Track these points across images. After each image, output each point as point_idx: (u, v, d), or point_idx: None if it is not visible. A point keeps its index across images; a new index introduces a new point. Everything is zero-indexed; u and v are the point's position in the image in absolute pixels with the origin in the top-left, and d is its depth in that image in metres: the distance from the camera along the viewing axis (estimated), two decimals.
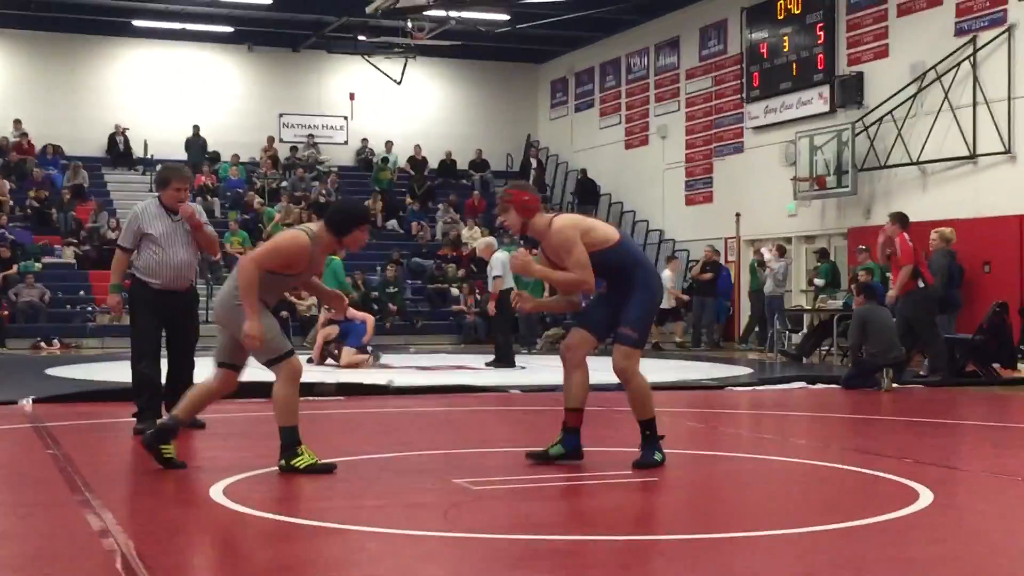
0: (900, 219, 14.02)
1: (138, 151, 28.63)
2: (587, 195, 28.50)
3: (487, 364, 15.95)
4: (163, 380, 8.55)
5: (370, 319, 16.41)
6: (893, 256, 13.75)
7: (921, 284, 13.55)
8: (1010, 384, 13.77)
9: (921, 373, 14.05)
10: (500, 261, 15.35)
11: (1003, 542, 4.95)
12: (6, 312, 21.76)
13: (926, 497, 5.77)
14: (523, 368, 15.84)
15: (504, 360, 15.83)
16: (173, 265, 8.34)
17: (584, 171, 28.82)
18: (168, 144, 28.36)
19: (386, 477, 6.47)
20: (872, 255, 17.54)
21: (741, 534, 5.02)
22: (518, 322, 16.70)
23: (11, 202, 25.42)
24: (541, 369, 15.46)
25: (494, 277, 15.63)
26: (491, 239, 17.35)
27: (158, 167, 26.03)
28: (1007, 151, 18.06)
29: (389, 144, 29.85)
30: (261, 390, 11.65)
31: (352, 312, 16.07)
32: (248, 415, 10.04)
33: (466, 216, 27.69)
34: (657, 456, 6.61)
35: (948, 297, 15.12)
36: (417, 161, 29.54)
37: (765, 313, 20.54)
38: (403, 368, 15.59)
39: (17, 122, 27.50)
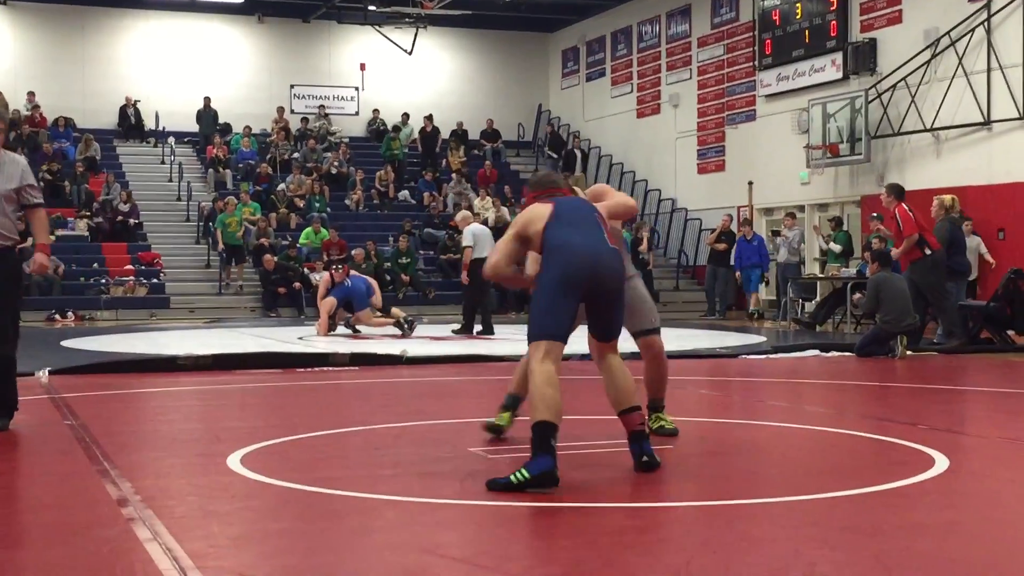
0: (896, 191, 14.14)
1: (149, 123, 28.64)
2: (555, 147, 29.88)
3: (453, 331, 16.24)
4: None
5: (373, 281, 16.87)
6: (895, 229, 13.80)
7: (928, 251, 13.55)
8: None
9: (935, 340, 14.04)
10: (472, 232, 16.01)
11: (1018, 507, 4.96)
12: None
13: (941, 463, 5.78)
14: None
15: (467, 329, 16.15)
16: None
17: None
18: (179, 116, 28.40)
19: (401, 446, 6.50)
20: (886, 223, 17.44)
21: (756, 500, 5.04)
22: (489, 293, 17.17)
23: None
24: None
25: (464, 247, 15.99)
26: (467, 212, 18.23)
27: (169, 138, 25.62)
28: (1022, 117, 17.97)
29: (405, 116, 29.79)
30: (274, 361, 11.75)
31: (355, 273, 16.51)
32: (263, 385, 10.10)
33: (478, 186, 27.66)
34: (517, 477, 5.13)
35: (955, 264, 15.06)
36: (427, 134, 29.44)
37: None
38: (416, 338, 15.64)
39: (31, 94, 27.50)
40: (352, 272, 16.77)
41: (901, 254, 13.75)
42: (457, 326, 16.51)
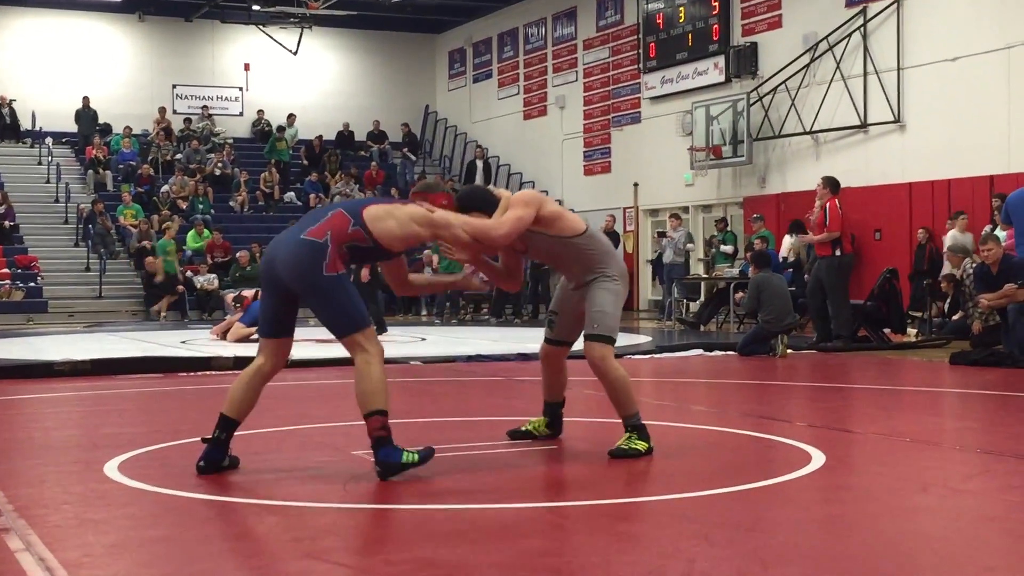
0: (831, 184, 14.18)
1: (26, 123, 27.95)
2: (413, 147, 30.03)
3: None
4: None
5: None
6: (820, 220, 13.89)
7: (838, 252, 13.81)
8: (900, 349, 14.11)
9: (815, 339, 14.31)
10: None
11: (890, 500, 5.08)
12: None
13: (818, 459, 5.90)
14: (423, 339, 15.87)
15: (382, 327, 16.03)
16: None
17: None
18: (57, 116, 27.77)
19: (285, 450, 6.43)
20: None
21: (639, 499, 5.09)
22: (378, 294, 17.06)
23: None
24: (441, 341, 15.51)
25: None
26: None
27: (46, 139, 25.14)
28: (896, 120, 18.45)
29: (291, 117, 29.46)
30: (155, 365, 11.54)
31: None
32: (144, 391, 9.92)
33: (365, 188, 27.52)
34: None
35: None
36: (314, 151, 29.09)
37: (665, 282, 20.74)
38: (301, 340, 15.46)
39: None
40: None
41: (816, 242, 14.02)
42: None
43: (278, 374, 5.94)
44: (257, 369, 5.71)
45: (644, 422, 6.19)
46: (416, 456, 5.45)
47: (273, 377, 5.79)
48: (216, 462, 5.60)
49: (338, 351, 13.39)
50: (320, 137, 29.25)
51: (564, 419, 6.71)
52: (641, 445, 6.05)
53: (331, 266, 5.47)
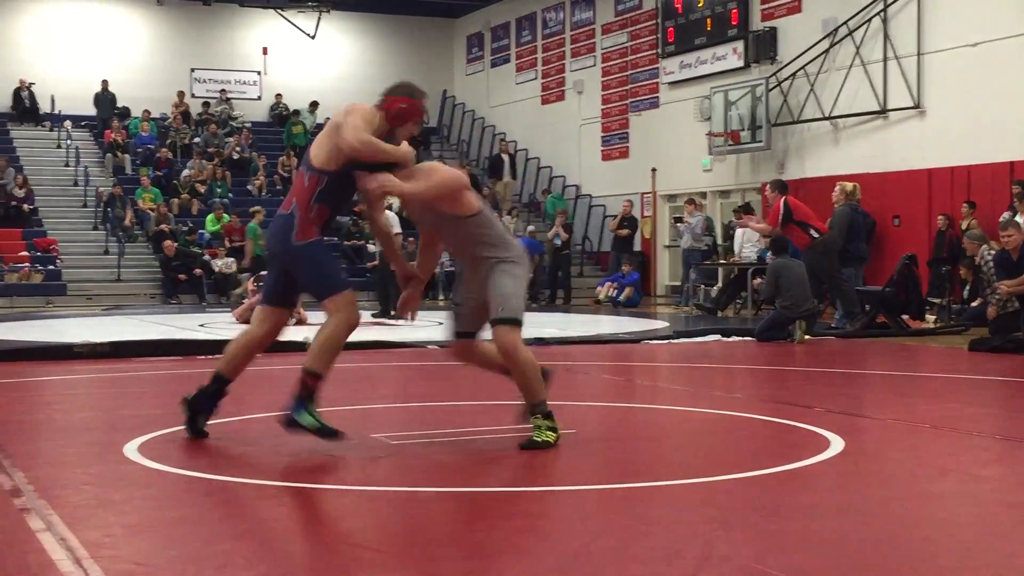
0: (779, 186, 14.66)
1: (45, 106, 28.00)
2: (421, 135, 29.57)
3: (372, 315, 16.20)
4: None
5: None
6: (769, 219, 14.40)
7: (816, 234, 13.86)
8: (918, 335, 14.07)
9: (833, 325, 14.30)
10: (392, 219, 15.79)
11: (906, 486, 5.07)
12: None
13: (836, 445, 5.89)
14: (440, 324, 15.90)
15: (386, 314, 16.31)
16: None
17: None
18: (76, 99, 27.79)
19: (302, 433, 6.44)
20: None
21: (657, 483, 5.09)
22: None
23: None
24: None
25: (396, 233, 15.93)
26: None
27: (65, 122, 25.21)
28: (916, 106, 18.35)
29: (314, 104, 29.44)
30: (173, 348, 11.58)
31: None
32: (162, 373, 9.95)
33: None
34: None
35: (853, 250, 15.39)
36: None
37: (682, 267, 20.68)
38: (318, 324, 15.49)
39: None
40: None
41: (760, 231, 14.70)
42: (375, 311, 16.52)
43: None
44: (250, 338, 6.07)
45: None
46: (315, 422, 5.65)
47: (264, 346, 6.09)
48: (199, 407, 6.03)
49: (353, 335, 13.40)
50: (328, 120, 29.16)
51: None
52: (550, 436, 5.80)
53: (300, 234, 5.72)
